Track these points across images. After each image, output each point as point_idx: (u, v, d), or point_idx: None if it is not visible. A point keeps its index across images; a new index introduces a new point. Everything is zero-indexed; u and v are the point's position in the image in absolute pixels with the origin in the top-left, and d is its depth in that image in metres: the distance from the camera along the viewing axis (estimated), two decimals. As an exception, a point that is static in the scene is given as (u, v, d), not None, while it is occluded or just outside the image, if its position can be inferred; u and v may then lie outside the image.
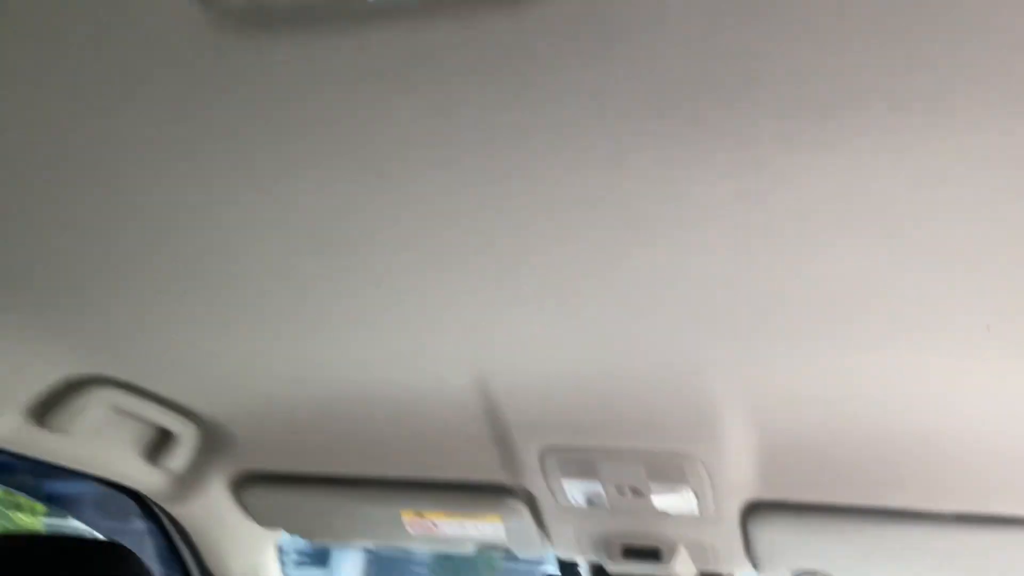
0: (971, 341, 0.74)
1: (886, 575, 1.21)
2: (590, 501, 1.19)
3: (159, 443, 1.26)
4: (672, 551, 1.24)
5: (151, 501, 1.40)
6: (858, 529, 1.10)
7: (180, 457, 1.27)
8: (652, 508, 1.17)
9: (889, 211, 0.60)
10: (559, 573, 1.55)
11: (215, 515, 1.41)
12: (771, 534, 1.16)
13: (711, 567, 1.30)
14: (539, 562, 1.64)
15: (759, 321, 0.78)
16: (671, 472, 1.08)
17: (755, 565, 1.26)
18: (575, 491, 1.17)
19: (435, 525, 1.33)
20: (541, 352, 0.91)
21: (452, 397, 1.04)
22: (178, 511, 1.39)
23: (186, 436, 1.25)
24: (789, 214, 0.62)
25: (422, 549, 1.47)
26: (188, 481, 1.34)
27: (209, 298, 0.91)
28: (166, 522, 1.47)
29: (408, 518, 1.33)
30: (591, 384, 0.96)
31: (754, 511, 1.15)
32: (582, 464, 1.12)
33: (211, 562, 1.50)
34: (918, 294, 0.69)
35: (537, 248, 0.73)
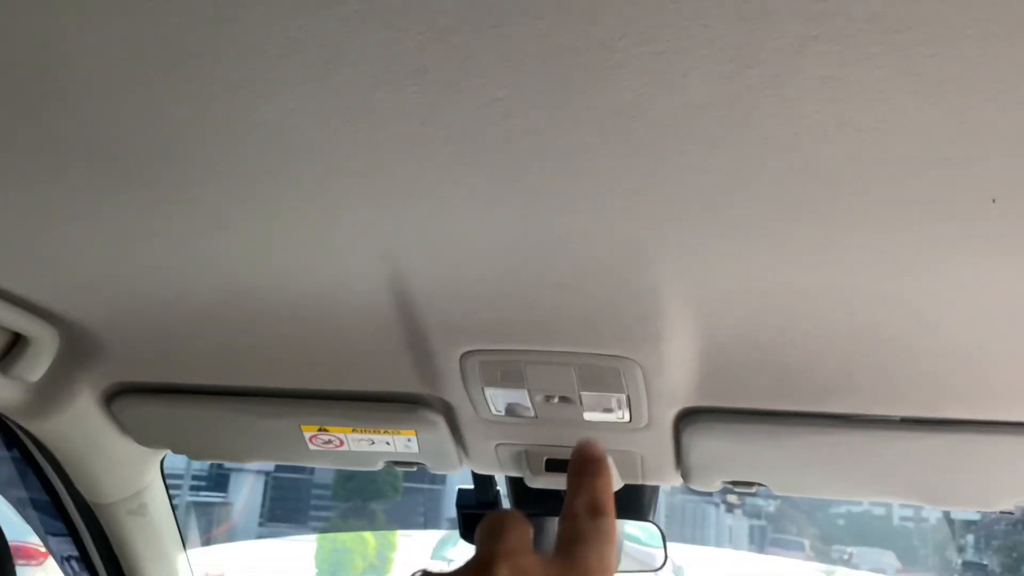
0: (969, 217, 0.65)
1: (822, 483, 1.17)
2: (514, 411, 1.09)
3: (10, 350, 1.08)
4: None
5: (8, 419, 1.22)
6: (798, 437, 1.04)
7: (37, 366, 1.09)
8: (581, 418, 1.08)
9: (900, 36, 0.49)
10: (474, 488, 1.47)
11: (85, 434, 1.24)
12: (705, 443, 1.09)
13: (639, 479, 1.23)
14: (442, 480, 1.56)
15: (709, 194, 0.67)
16: (605, 378, 0.99)
17: (685, 477, 1.20)
18: (498, 400, 1.07)
19: (340, 441, 1.21)
20: (461, 240, 0.78)
21: (360, 296, 0.91)
22: (39, 429, 1.21)
23: (43, 342, 1.07)
24: (780, 31, 0.50)
25: (326, 467, 1.36)
26: (49, 395, 1.16)
27: (65, 175, 0.73)
28: (29, 444, 1.30)
29: (310, 433, 1.20)
30: (519, 278, 0.84)
31: (689, 420, 1.07)
32: (507, 371, 1.01)
33: (84, 486, 1.34)
34: (922, 150, 0.59)
35: (454, 106, 0.59)
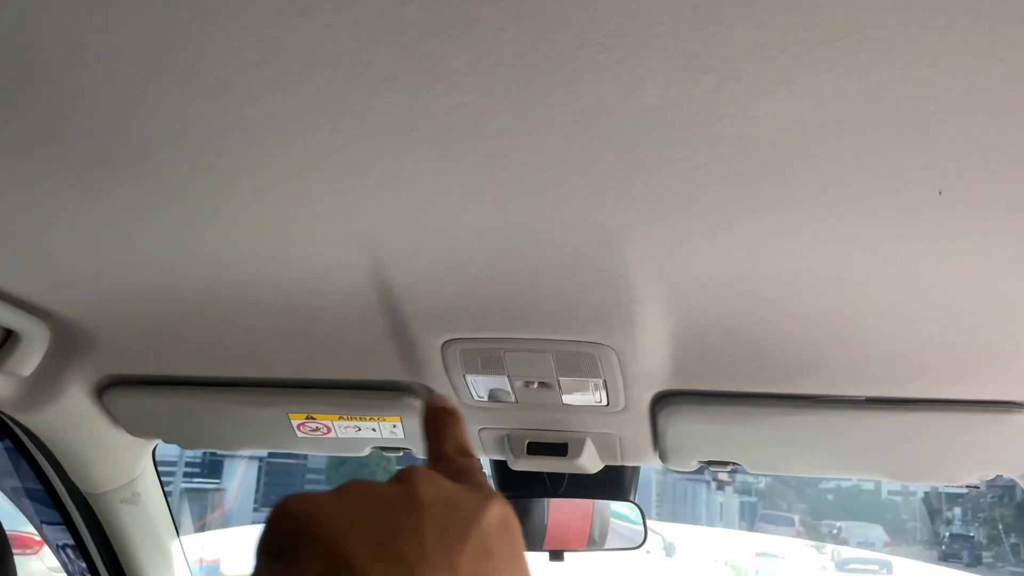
0: (918, 208, 0.69)
1: (794, 461, 1.21)
2: (495, 397, 1.12)
3: (1, 345, 1.10)
4: (579, 446, 1.20)
5: (2, 412, 1.25)
6: (769, 417, 1.08)
7: (28, 361, 1.12)
8: (560, 402, 1.11)
9: (840, 44, 0.52)
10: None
11: (77, 426, 1.27)
12: (681, 425, 1.13)
13: (618, 460, 1.27)
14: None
15: (673, 187, 0.70)
16: (582, 363, 1.02)
17: (663, 457, 1.23)
18: (479, 386, 1.10)
19: (328, 428, 1.24)
20: (439, 232, 0.81)
21: (343, 287, 0.94)
22: (32, 422, 1.24)
23: (34, 336, 1.09)
24: (728, 39, 0.53)
25: (314, 453, 1.39)
26: (41, 388, 1.18)
27: (52, 173, 0.75)
28: (22, 436, 1.32)
29: (297, 421, 1.23)
30: (496, 268, 0.87)
31: (664, 402, 1.11)
32: (487, 358, 1.04)
33: (78, 477, 1.37)
34: (870, 147, 0.62)
35: (426, 108, 0.62)
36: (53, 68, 0.61)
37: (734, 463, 1.23)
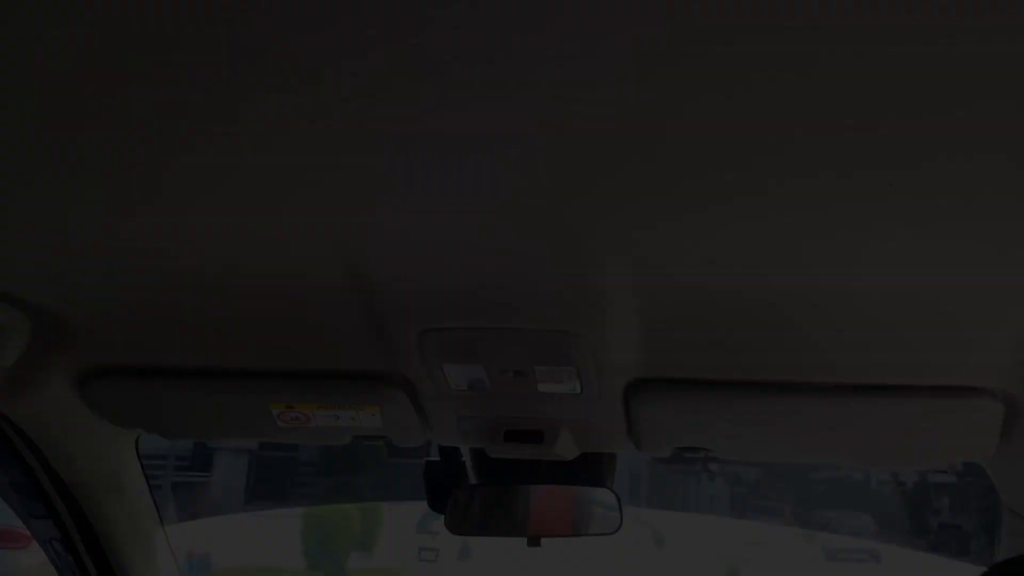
0: (872, 198, 0.71)
1: (764, 447, 1.23)
2: (471, 385, 1.14)
3: None
4: (555, 433, 1.22)
5: (-18, 403, 1.26)
6: (738, 404, 1.10)
7: (9, 351, 1.12)
8: (535, 391, 1.13)
9: (799, 31, 0.54)
10: (440, 460, 1.53)
11: (59, 415, 1.28)
12: (653, 412, 1.15)
13: (593, 447, 1.29)
14: (427, 453, 1.61)
15: (630, 181, 0.72)
16: (555, 352, 1.04)
17: (637, 444, 1.26)
18: (456, 375, 1.12)
19: (308, 417, 1.26)
20: (411, 224, 0.83)
21: (320, 278, 0.95)
22: (14, 411, 1.25)
23: (14, 327, 1.10)
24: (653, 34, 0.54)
25: (296, 443, 1.40)
26: (21, 378, 1.19)
27: (30, 166, 0.77)
28: (5, 426, 1.33)
29: (278, 410, 1.25)
30: (469, 259, 0.89)
31: (637, 390, 1.13)
32: (463, 347, 1.06)
33: (61, 466, 1.38)
34: (819, 139, 0.64)
35: (392, 93, 0.63)
36: (25, 60, 0.63)
37: (707, 449, 1.25)
